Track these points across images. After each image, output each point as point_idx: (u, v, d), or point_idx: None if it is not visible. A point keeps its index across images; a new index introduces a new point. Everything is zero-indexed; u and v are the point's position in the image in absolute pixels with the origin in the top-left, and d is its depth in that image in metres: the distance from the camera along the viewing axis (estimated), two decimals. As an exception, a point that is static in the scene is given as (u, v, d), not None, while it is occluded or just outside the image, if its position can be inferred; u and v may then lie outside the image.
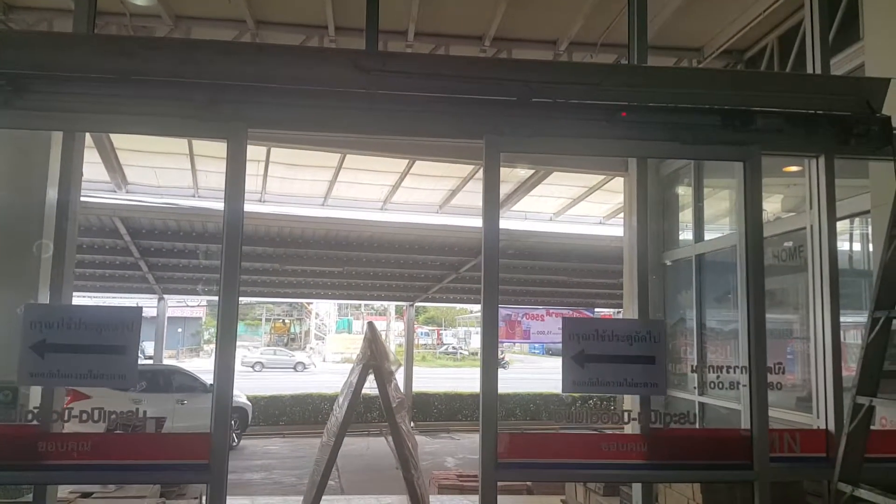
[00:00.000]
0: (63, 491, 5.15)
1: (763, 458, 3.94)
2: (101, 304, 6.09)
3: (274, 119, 4.07)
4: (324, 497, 7.06)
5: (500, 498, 9.43)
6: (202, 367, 30.15)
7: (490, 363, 4.02)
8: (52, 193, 6.99)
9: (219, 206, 12.14)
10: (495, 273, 4.11)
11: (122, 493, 5.60)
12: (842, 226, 6.56)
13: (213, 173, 12.47)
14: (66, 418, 3.71)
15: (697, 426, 4.53)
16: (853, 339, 5.85)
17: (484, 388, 3.97)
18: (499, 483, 3.90)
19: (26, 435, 3.58)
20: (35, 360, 3.60)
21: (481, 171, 11.96)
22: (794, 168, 5.94)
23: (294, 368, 42.75)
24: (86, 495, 5.49)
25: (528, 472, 4.34)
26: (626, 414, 4.13)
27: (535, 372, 41.76)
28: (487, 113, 4.12)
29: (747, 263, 4.20)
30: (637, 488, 4.36)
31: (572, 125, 4.18)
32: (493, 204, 4.13)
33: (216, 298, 3.89)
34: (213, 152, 11.35)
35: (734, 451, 4.05)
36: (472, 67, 4.30)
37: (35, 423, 3.63)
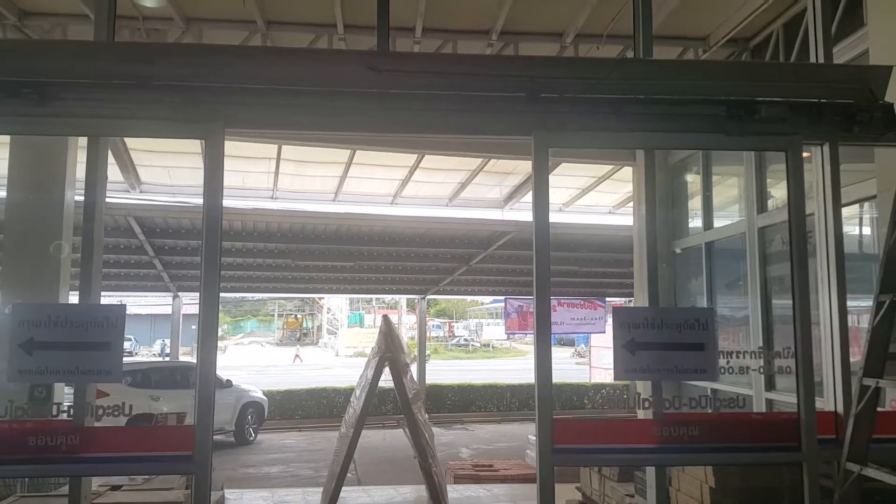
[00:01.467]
0: (93, 484, 5.30)
1: (811, 440, 4.01)
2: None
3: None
4: (343, 488, 7.19)
5: (517, 486, 9.53)
6: (218, 363, 30.46)
7: (544, 353, 4.11)
8: (69, 195, 7.18)
9: (231, 203, 12.29)
10: (547, 266, 4.22)
11: (149, 486, 5.75)
12: (852, 210, 6.65)
13: (226, 171, 12.59)
14: (97, 414, 3.83)
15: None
16: (865, 324, 5.93)
17: (539, 378, 4.07)
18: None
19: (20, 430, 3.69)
20: (23, 358, 3.68)
21: (489, 163, 12.11)
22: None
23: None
24: (115, 488, 5.65)
25: (583, 457, 4.43)
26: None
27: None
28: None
29: (791, 251, 4.26)
30: (651, 473, 4.46)
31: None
32: (542, 198, 4.24)
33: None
34: (225, 151, 11.48)
35: (781, 433, 4.13)
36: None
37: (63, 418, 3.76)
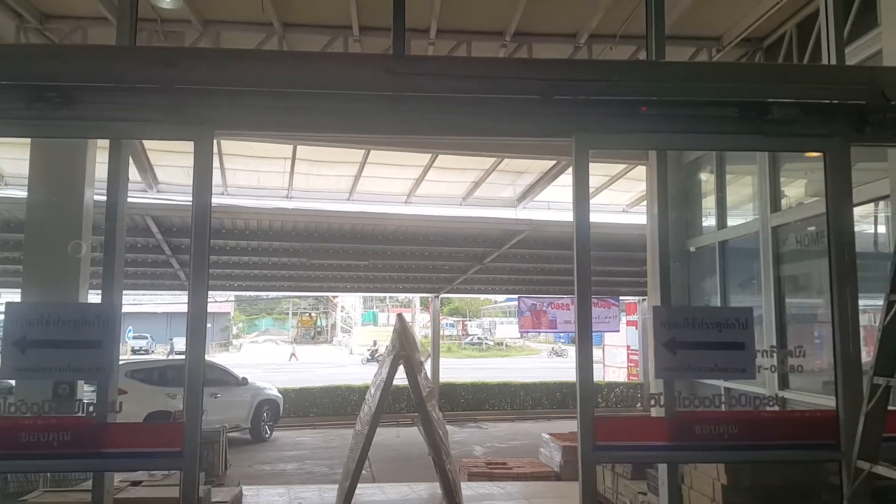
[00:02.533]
0: (115, 479, 5.41)
1: (850, 438, 4.03)
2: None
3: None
4: (357, 485, 7.28)
5: (530, 484, 9.57)
6: (232, 361, 30.71)
7: (586, 353, 4.16)
8: (89, 194, 7.31)
9: (247, 202, 12.38)
10: (587, 267, 4.20)
11: (168, 482, 5.86)
12: (868, 209, 6.65)
13: (241, 171, 12.73)
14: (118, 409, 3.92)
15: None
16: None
17: (580, 377, 4.13)
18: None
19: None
20: (17, 356, 3.76)
21: (503, 162, 12.16)
22: (815, 154, 6.00)
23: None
24: (135, 483, 5.76)
25: (623, 454, 4.42)
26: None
27: (562, 361, 41.88)
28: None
29: (830, 252, 4.26)
30: (663, 470, 4.50)
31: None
32: (583, 199, 4.25)
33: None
34: (239, 151, 11.63)
35: (818, 431, 4.17)
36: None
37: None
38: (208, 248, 4.02)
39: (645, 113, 4.29)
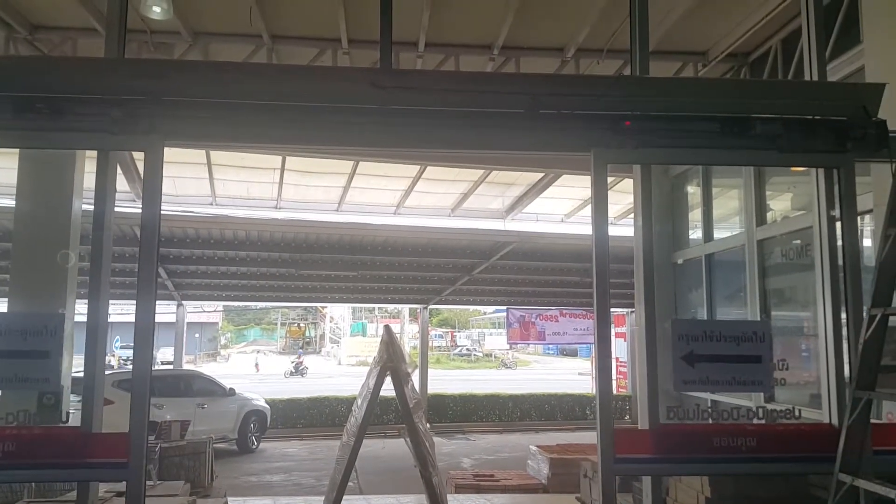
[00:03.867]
0: (100, 490, 5.37)
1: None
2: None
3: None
4: (343, 497, 7.25)
5: (517, 496, 9.54)
6: (219, 371, 30.53)
7: (605, 366, 4.22)
8: (77, 204, 7.28)
9: (236, 212, 12.38)
10: (606, 281, 4.30)
11: (154, 493, 5.83)
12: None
13: (231, 181, 12.73)
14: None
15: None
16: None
17: (600, 389, 4.18)
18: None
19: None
20: None
21: (491, 174, 12.21)
22: (801, 167, 6.07)
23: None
24: (120, 494, 5.71)
25: (642, 467, 4.42)
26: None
27: (549, 372, 41.90)
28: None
29: (845, 269, 4.33)
30: (647, 482, 4.52)
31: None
32: (602, 213, 4.32)
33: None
34: (228, 161, 11.63)
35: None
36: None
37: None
38: (157, 260, 4.07)
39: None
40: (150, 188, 4.08)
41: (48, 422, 3.81)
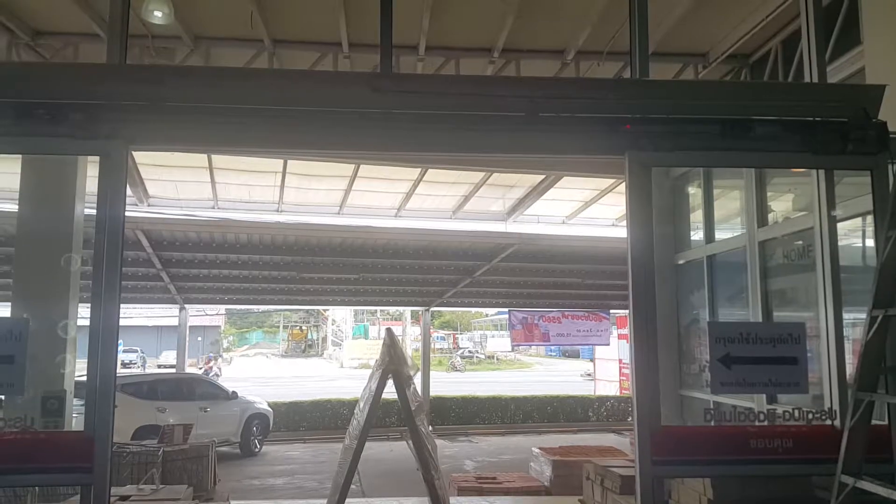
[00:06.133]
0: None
1: None
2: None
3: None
4: (346, 500, 7.25)
5: (520, 498, 9.53)
6: (222, 374, 30.55)
7: (642, 368, 4.19)
8: (79, 208, 7.31)
9: (238, 216, 12.42)
10: (650, 286, 4.29)
11: (156, 496, 5.84)
12: (857, 223, 6.72)
13: (232, 185, 12.76)
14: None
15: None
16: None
17: (638, 390, 4.16)
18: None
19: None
20: None
21: (492, 176, 12.22)
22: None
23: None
24: (124, 498, 5.74)
25: (682, 469, 4.42)
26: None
27: (552, 374, 41.88)
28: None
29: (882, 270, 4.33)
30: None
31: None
32: (643, 217, 4.32)
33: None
34: (230, 165, 11.65)
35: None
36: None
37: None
38: (120, 265, 4.01)
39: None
40: (113, 195, 4.04)
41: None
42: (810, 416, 4.34)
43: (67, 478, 3.98)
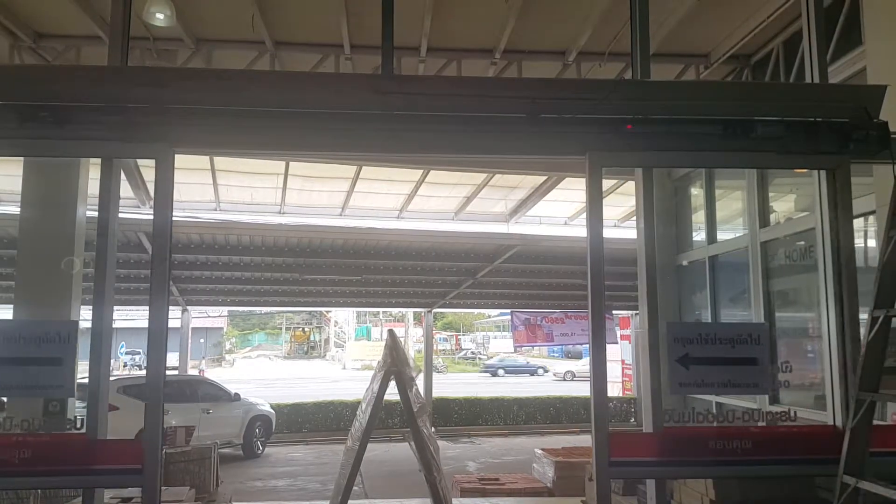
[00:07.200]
0: (105, 496, 5.39)
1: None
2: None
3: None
4: (349, 501, 7.25)
5: (523, 500, 9.53)
6: (224, 376, 30.51)
7: (599, 368, 4.22)
8: (81, 211, 7.32)
9: (240, 218, 12.43)
10: (601, 282, 4.34)
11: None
12: (858, 223, 6.72)
13: (234, 187, 12.77)
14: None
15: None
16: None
17: (595, 392, 4.18)
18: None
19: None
20: None
21: (494, 177, 12.21)
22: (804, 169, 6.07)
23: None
24: (126, 500, 5.74)
25: (637, 470, 4.44)
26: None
27: (553, 375, 41.80)
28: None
29: (836, 267, 4.34)
30: (651, 485, 4.52)
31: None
32: (596, 216, 4.39)
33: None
34: (232, 167, 11.66)
35: (825, 446, 4.21)
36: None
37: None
38: (169, 266, 4.11)
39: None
40: (162, 197, 4.19)
41: (55, 428, 3.83)
42: (770, 416, 4.37)
43: (120, 479, 4.07)
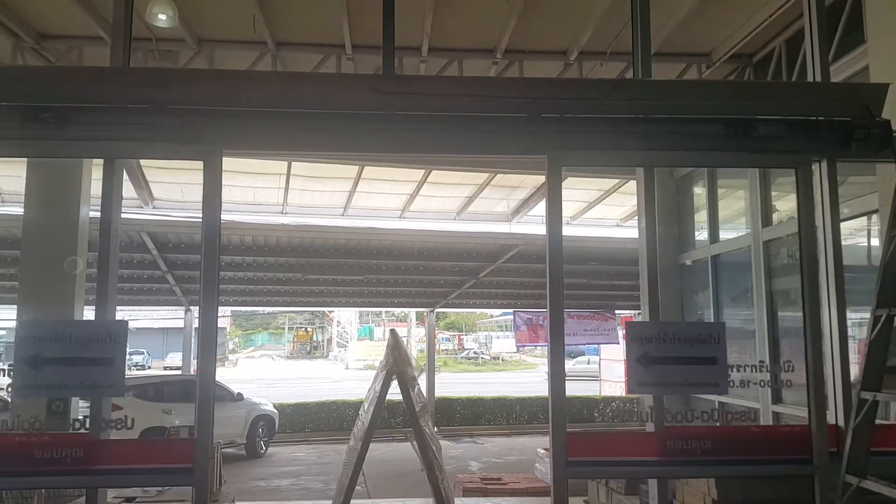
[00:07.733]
0: (108, 495, 5.40)
1: (822, 453, 4.09)
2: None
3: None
4: (351, 501, 7.26)
5: (525, 499, 9.54)
6: (227, 376, 30.59)
7: (557, 367, 4.19)
8: (84, 211, 7.35)
9: (241, 218, 12.46)
10: (560, 280, 4.24)
11: (161, 498, 5.85)
12: (861, 222, 6.72)
13: (237, 187, 12.78)
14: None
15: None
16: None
17: (552, 391, 4.16)
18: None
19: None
20: (28, 373, 3.78)
21: (496, 177, 12.25)
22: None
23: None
24: (129, 500, 5.75)
25: (596, 470, 4.46)
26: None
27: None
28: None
29: (802, 266, 4.35)
30: (653, 485, 4.51)
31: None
32: (556, 215, 4.32)
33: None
34: (234, 167, 11.66)
35: (793, 446, 4.21)
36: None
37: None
38: (218, 267, 4.16)
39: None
40: (210, 198, 4.32)
41: (59, 429, 3.84)
42: (729, 416, 4.43)
43: (170, 478, 4.15)
